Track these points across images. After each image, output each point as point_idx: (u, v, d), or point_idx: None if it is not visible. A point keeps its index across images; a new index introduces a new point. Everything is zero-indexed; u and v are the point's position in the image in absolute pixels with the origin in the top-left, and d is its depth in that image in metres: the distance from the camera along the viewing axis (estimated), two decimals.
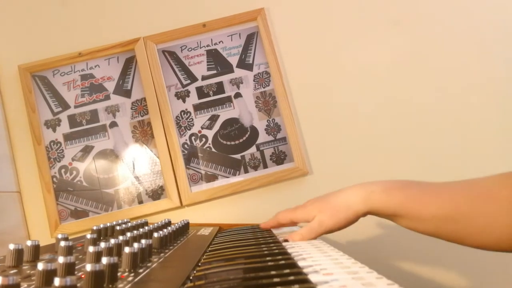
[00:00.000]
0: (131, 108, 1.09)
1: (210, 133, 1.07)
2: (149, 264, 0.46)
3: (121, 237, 0.52)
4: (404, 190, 0.57)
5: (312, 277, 0.36)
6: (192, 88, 1.09)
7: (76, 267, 0.44)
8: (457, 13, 1.11)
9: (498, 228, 0.49)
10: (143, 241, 0.46)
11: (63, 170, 1.06)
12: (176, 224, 0.73)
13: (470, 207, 0.50)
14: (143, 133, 1.07)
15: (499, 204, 0.48)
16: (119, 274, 0.40)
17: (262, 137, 1.06)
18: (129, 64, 1.10)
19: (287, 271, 0.38)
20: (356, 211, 0.60)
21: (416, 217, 0.55)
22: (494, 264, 0.99)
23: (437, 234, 0.55)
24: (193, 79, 1.09)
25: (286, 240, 0.64)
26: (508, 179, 0.49)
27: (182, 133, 1.07)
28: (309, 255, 0.48)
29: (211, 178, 1.05)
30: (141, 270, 0.42)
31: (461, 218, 0.51)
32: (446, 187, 0.54)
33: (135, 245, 0.44)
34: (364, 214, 0.61)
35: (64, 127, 1.08)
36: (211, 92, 1.09)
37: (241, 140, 1.07)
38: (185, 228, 0.79)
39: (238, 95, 1.08)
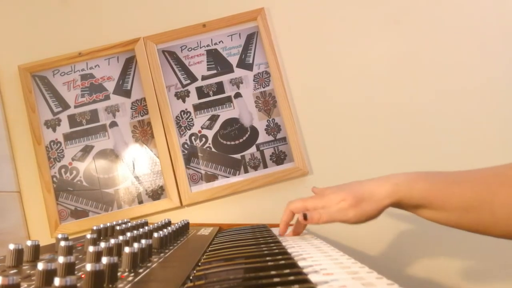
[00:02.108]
0: (131, 108, 1.09)
1: (210, 133, 1.07)
2: (149, 264, 0.46)
3: (121, 237, 0.52)
4: (428, 181, 0.56)
5: (312, 277, 0.36)
6: (192, 88, 1.09)
7: (76, 267, 0.44)
8: (457, 13, 1.11)
9: None
10: (143, 241, 0.46)
11: (63, 170, 1.06)
12: (176, 224, 0.73)
13: (492, 195, 0.50)
14: (143, 133, 1.07)
15: None
16: (119, 274, 0.40)
17: (262, 137, 1.06)
18: (129, 64, 1.10)
19: (287, 271, 0.38)
20: (382, 204, 0.58)
21: (439, 208, 0.55)
22: (494, 260, 0.99)
23: (460, 225, 0.55)
24: (193, 79, 1.09)
25: (304, 215, 0.62)
26: None
27: (182, 133, 1.07)
28: (309, 255, 0.48)
29: (211, 178, 1.05)
30: (141, 270, 0.42)
31: (481, 207, 0.50)
32: (468, 176, 0.53)
33: (135, 245, 0.44)
34: (388, 207, 0.59)
35: (64, 127, 1.08)
36: (211, 92, 1.09)
37: (241, 140, 1.07)
38: (185, 228, 0.79)
39: (238, 95, 1.08)
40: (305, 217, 0.62)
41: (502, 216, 0.49)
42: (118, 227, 0.68)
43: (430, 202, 0.55)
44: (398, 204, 0.58)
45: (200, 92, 1.09)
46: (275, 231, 0.79)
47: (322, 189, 0.68)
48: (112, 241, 0.48)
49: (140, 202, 1.05)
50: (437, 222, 0.57)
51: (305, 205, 0.66)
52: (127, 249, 0.42)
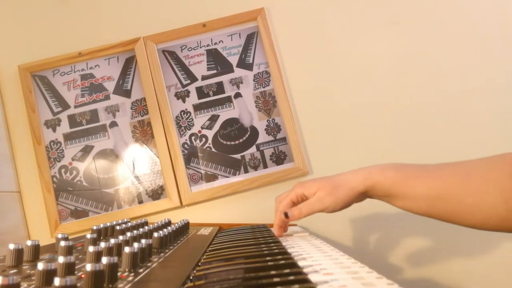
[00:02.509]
0: (131, 108, 1.09)
1: (210, 133, 1.07)
2: (149, 264, 0.46)
3: (121, 237, 0.52)
4: (400, 171, 0.59)
5: (312, 277, 0.36)
6: (192, 88, 1.09)
7: (76, 267, 0.44)
8: (457, 13, 1.11)
9: (486, 207, 0.50)
10: (143, 241, 0.46)
11: (63, 170, 1.06)
12: (176, 224, 0.73)
13: (460, 186, 0.52)
14: (143, 133, 1.08)
15: (487, 184, 0.50)
16: (119, 274, 0.40)
17: (262, 137, 1.06)
18: (129, 64, 1.10)
19: (287, 271, 0.38)
20: (355, 190, 0.61)
21: (409, 197, 0.57)
22: (495, 260, 0.99)
23: (430, 214, 0.57)
24: (193, 79, 1.09)
25: (285, 214, 0.65)
26: (499, 161, 0.51)
27: (182, 133, 1.07)
28: (309, 255, 0.48)
29: (211, 178, 1.05)
30: (141, 270, 0.42)
31: (451, 197, 0.53)
32: (439, 168, 0.56)
33: (135, 245, 0.44)
34: (362, 194, 0.62)
35: (64, 127, 1.08)
36: (211, 92, 1.09)
37: (241, 140, 1.07)
38: (185, 228, 0.79)
39: (238, 95, 1.08)
40: (286, 215, 0.65)
41: (467, 208, 0.52)
42: (118, 227, 0.68)
43: (400, 190, 0.58)
44: (370, 192, 0.61)
45: (200, 92, 1.09)
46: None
47: (303, 182, 0.71)
48: (112, 241, 0.48)
49: (140, 202, 1.05)
50: (408, 211, 0.60)
51: (290, 197, 0.68)
52: (127, 249, 0.42)
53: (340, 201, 0.62)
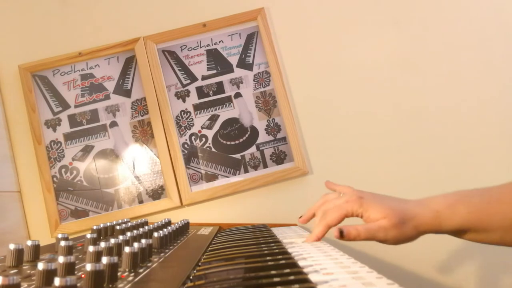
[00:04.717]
0: (131, 108, 1.09)
1: (210, 133, 1.07)
2: (149, 264, 0.46)
3: (121, 237, 0.52)
4: (467, 205, 0.55)
5: (312, 277, 0.36)
6: (192, 88, 1.09)
7: (76, 267, 0.44)
8: (457, 13, 1.11)
9: None
10: (143, 240, 0.46)
11: (63, 170, 1.06)
12: (176, 224, 0.73)
13: None
14: (143, 132, 1.07)
15: None
16: (119, 273, 0.40)
17: (262, 137, 1.06)
18: (129, 64, 1.10)
19: (287, 270, 0.38)
20: (422, 230, 0.56)
21: (481, 230, 0.54)
22: (496, 260, 0.99)
23: (503, 243, 0.54)
24: (193, 78, 1.09)
25: (341, 232, 0.54)
26: None
27: (182, 133, 1.07)
28: (309, 254, 0.48)
29: (211, 177, 1.05)
30: (141, 270, 0.42)
31: None
32: (505, 193, 0.53)
33: (135, 244, 0.44)
34: (427, 233, 0.56)
35: (64, 127, 1.08)
36: (211, 92, 1.09)
37: (241, 140, 1.07)
38: (185, 227, 0.79)
39: (238, 95, 1.08)
40: (341, 234, 0.55)
41: None
42: (118, 227, 0.68)
43: (472, 225, 0.54)
44: (438, 230, 0.56)
45: (200, 92, 1.09)
46: (275, 230, 0.79)
47: (345, 188, 0.63)
48: (112, 240, 0.48)
49: (140, 201, 1.05)
50: (479, 242, 0.56)
51: (342, 214, 0.58)
52: (127, 249, 0.42)
53: (404, 238, 0.56)
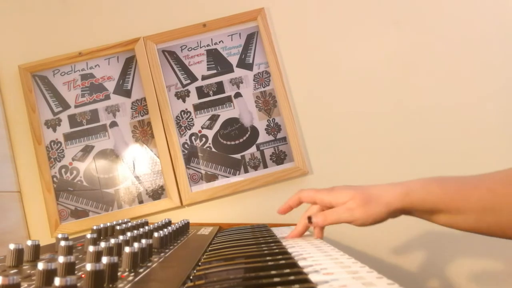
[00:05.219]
0: (131, 108, 1.09)
1: (210, 133, 1.07)
2: (149, 264, 0.46)
3: (121, 237, 0.52)
4: (443, 185, 0.54)
5: (313, 277, 0.36)
6: (192, 88, 1.09)
7: (76, 267, 0.44)
8: (457, 12, 1.11)
9: None
10: (143, 240, 0.46)
11: (63, 170, 1.06)
12: (176, 224, 0.73)
13: (509, 195, 0.49)
14: (143, 133, 1.08)
15: None
16: (119, 273, 0.40)
17: (262, 137, 1.06)
18: (129, 64, 1.10)
19: (287, 270, 0.38)
20: (391, 206, 0.56)
21: (456, 211, 0.53)
22: (496, 259, 0.99)
23: (477, 228, 0.53)
24: (193, 79, 1.09)
25: (309, 218, 0.60)
26: None
27: (182, 133, 1.07)
28: (309, 254, 0.48)
29: (211, 178, 1.05)
30: (141, 270, 0.42)
31: (500, 207, 0.49)
32: (484, 178, 0.52)
33: (135, 244, 0.44)
34: (398, 211, 0.57)
35: (65, 127, 1.08)
36: (211, 92, 1.09)
37: (241, 140, 1.07)
38: (185, 228, 0.79)
39: (238, 94, 1.08)
40: (309, 220, 0.61)
41: None
42: (118, 227, 0.68)
43: (446, 205, 0.53)
44: (410, 209, 0.56)
45: (200, 92, 1.09)
46: (275, 230, 0.79)
47: (331, 187, 0.66)
48: (112, 241, 0.48)
49: (141, 202, 1.05)
50: (453, 227, 0.55)
51: (314, 197, 0.63)
52: (127, 249, 0.42)
53: (372, 216, 0.57)
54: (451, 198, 0.53)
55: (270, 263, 0.42)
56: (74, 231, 1.02)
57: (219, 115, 1.08)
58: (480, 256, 0.99)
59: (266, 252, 0.50)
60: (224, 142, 1.06)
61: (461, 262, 0.99)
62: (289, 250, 0.51)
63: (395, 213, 0.57)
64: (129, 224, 0.73)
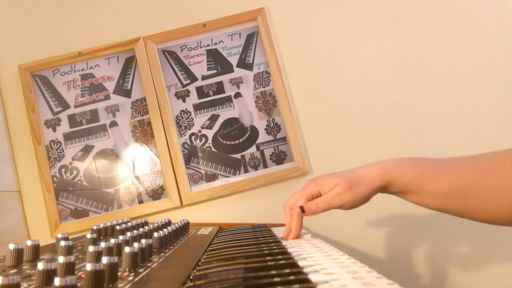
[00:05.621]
0: (131, 108, 1.09)
1: (210, 133, 1.07)
2: (149, 264, 0.46)
3: (121, 237, 0.52)
4: (417, 166, 0.59)
5: (312, 277, 0.36)
6: (192, 87, 1.09)
7: (76, 267, 0.44)
8: (457, 12, 1.11)
9: (502, 201, 0.50)
10: (143, 240, 0.46)
11: (63, 170, 1.06)
12: (176, 224, 0.73)
13: (476, 181, 0.52)
14: (143, 132, 1.07)
15: (502, 178, 0.50)
16: (119, 273, 0.40)
17: (262, 136, 1.06)
18: (129, 64, 1.10)
19: (287, 270, 0.38)
20: (373, 184, 0.60)
21: (425, 193, 0.57)
22: (496, 260, 0.99)
23: (445, 209, 0.57)
24: (193, 78, 1.09)
25: (302, 208, 0.62)
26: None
27: (182, 132, 1.07)
28: (309, 254, 0.48)
29: (211, 177, 1.05)
30: (141, 270, 0.42)
31: (467, 193, 0.53)
32: (455, 163, 0.56)
33: (135, 244, 0.44)
34: (378, 189, 0.61)
35: (64, 127, 1.08)
36: (211, 92, 1.09)
37: (241, 140, 1.07)
38: (185, 227, 0.79)
39: (238, 94, 1.08)
40: (302, 209, 0.63)
41: (483, 203, 0.52)
42: (118, 227, 0.68)
43: (417, 186, 0.57)
44: (387, 187, 0.60)
45: (200, 92, 1.09)
46: (275, 230, 0.79)
47: (315, 178, 0.68)
48: (112, 240, 0.48)
49: (140, 201, 1.05)
50: (423, 206, 0.60)
51: (301, 195, 0.65)
52: (127, 249, 0.42)
53: (359, 198, 0.61)
54: (422, 180, 0.57)
55: (270, 263, 0.42)
56: (74, 231, 1.02)
57: (219, 115, 1.08)
58: (483, 257, 0.99)
59: (266, 252, 0.50)
60: (224, 142, 1.06)
61: (467, 264, 0.99)
62: (289, 250, 0.51)
63: (376, 191, 0.62)
64: (129, 224, 0.73)
